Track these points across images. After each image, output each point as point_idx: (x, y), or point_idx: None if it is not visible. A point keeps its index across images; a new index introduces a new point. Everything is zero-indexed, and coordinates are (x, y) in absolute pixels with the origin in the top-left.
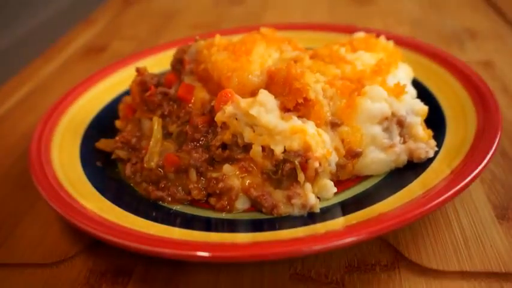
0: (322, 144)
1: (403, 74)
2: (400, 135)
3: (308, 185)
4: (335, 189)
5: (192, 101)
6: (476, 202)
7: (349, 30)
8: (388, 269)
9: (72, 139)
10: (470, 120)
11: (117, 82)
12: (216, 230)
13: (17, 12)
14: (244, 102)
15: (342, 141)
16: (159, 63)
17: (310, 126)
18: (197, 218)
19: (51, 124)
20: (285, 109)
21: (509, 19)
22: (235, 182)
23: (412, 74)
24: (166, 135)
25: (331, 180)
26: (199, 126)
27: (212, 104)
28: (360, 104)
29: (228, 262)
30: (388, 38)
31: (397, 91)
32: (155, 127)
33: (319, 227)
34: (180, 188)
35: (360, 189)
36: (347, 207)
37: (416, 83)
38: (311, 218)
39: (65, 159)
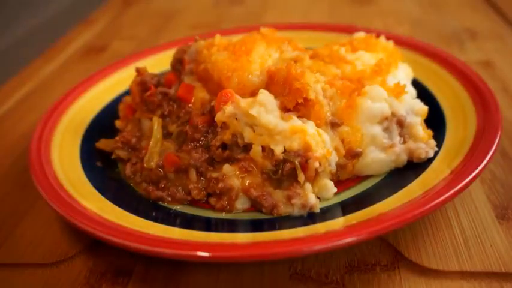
0: (322, 144)
1: (403, 74)
2: (400, 135)
3: (308, 185)
4: (335, 189)
5: (192, 101)
6: (476, 202)
7: (349, 30)
8: (388, 269)
9: (72, 139)
10: (470, 120)
11: (117, 82)
12: (216, 230)
13: (17, 12)
14: (244, 102)
15: (342, 141)
16: (159, 63)
17: (310, 126)
18: (197, 218)
19: (51, 124)
20: (285, 109)
21: (509, 19)
22: (235, 182)
23: (412, 74)
24: (166, 135)
25: (331, 180)
26: (199, 126)
27: (212, 104)
28: (360, 104)
29: (228, 262)
30: (388, 38)
31: (397, 91)
32: (155, 127)
33: (319, 227)
34: (180, 188)
35: (360, 189)
36: (347, 207)
37: (416, 83)
38: (311, 218)
39: (65, 159)
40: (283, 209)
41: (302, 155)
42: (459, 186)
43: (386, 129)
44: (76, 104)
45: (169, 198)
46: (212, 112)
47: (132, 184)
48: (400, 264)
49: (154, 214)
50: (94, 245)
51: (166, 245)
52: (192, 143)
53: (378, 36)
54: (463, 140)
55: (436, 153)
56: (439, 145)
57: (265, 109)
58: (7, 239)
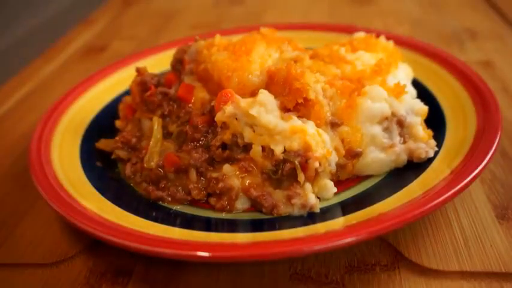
0: (322, 144)
1: (403, 74)
2: (400, 135)
3: (308, 185)
4: (335, 189)
5: (192, 101)
6: (476, 202)
7: (349, 30)
8: (388, 269)
9: (72, 139)
10: (470, 120)
11: (117, 82)
12: (216, 230)
13: (17, 12)
14: (244, 102)
15: (342, 141)
16: (159, 63)
17: (310, 126)
18: (197, 218)
19: (51, 124)
20: (285, 109)
21: (509, 19)
22: (235, 182)
23: (412, 74)
24: (166, 135)
25: (331, 180)
26: (199, 126)
27: (212, 104)
28: (360, 104)
29: (228, 262)
30: (388, 38)
31: (397, 91)
32: (155, 127)
33: (319, 227)
34: (180, 188)
35: (360, 189)
36: (347, 207)
37: (416, 83)
38: (311, 218)
39: (65, 159)
40: (283, 209)
41: (302, 155)
42: (459, 186)
43: (386, 129)
44: (76, 104)
45: (169, 198)
46: (212, 112)
47: (132, 184)
48: (400, 264)
49: (154, 214)
50: (94, 245)
51: (166, 245)
52: (192, 143)
53: (378, 36)
54: (463, 140)
55: (436, 153)
56: (439, 145)
57: (265, 109)
58: (7, 239)
